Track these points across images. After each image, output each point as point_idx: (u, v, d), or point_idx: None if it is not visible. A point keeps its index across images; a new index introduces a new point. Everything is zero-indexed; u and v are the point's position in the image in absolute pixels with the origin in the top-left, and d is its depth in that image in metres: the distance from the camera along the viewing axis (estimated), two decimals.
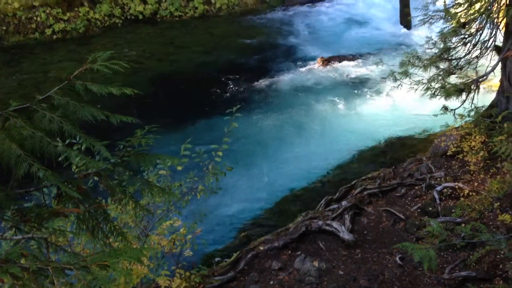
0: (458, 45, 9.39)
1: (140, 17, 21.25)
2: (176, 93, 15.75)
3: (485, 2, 8.50)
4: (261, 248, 8.45)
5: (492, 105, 9.93)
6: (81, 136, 2.69)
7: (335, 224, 8.62)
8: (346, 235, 8.32)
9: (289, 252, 8.34)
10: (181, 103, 14.97)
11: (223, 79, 16.53)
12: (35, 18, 19.32)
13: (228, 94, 15.68)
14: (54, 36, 19.22)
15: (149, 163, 3.18)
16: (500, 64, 9.08)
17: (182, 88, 16.09)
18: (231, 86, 16.10)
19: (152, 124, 4.27)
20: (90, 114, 2.72)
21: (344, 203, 9.31)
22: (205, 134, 13.10)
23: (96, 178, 3.09)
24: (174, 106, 14.72)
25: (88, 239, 3.99)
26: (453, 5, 9.42)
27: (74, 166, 5.16)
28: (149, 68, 17.20)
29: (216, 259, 8.77)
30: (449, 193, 8.98)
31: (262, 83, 16.42)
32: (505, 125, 8.16)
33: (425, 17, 9.67)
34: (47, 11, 19.44)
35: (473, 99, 8.99)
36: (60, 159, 2.96)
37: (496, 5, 8.56)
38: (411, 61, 9.69)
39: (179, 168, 6.57)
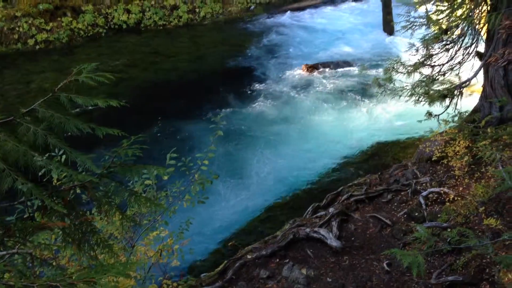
0: (440, 51, 9.49)
1: (124, 26, 21.21)
2: (162, 101, 15.70)
3: (466, 9, 8.61)
4: (249, 256, 8.41)
5: (475, 110, 10.05)
6: (66, 150, 2.65)
7: (322, 231, 8.61)
8: (333, 242, 8.32)
9: (277, 260, 8.30)
10: (167, 112, 14.91)
11: (208, 87, 16.54)
12: (17, 28, 19.15)
13: (213, 102, 15.66)
14: (37, 47, 19.07)
15: (135, 174, 3.15)
16: (482, 69, 9.20)
17: (167, 96, 16.05)
18: (216, 94, 16.11)
19: (137, 134, 4.23)
20: (76, 127, 2.68)
21: (331, 210, 9.32)
22: (191, 142, 13.07)
23: (82, 190, 3.05)
24: (159, 115, 14.63)
25: (74, 252, 3.92)
26: (435, 12, 9.53)
27: (55, 179, 5.10)
28: (134, 77, 17.14)
29: (203, 270, 8.71)
30: (434, 198, 9.04)
31: (247, 90, 16.45)
32: (489, 130, 8.26)
33: (407, 23, 9.76)
34: (30, 22, 19.29)
35: (456, 104, 9.08)
36: (44, 170, 2.92)
37: (477, 11, 8.68)
38: (395, 67, 9.77)
39: (165, 177, 6.52)
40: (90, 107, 2.88)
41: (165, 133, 13.67)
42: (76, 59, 18.30)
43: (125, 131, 3.37)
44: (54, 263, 3.09)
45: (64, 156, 4.85)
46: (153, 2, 22.34)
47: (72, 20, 20.17)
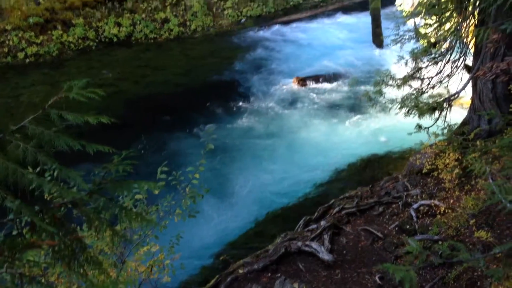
0: (429, 64, 9.59)
1: (115, 39, 21.22)
2: (152, 115, 15.67)
3: (454, 23, 8.72)
4: (241, 271, 8.35)
5: (464, 122, 10.13)
6: (56, 167, 2.62)
7: (314, 244, 8.59)
8: (325, 256, 8.29)
9: (269, 274, 8.25)
10: (157, 125, 14.89)
11: (198, 100, 16.54)
12: (7, 41, 19.09)
13: (203, 116, 15.66)
14: (27, 60, 19.00)
15: (126, 190, 3.12)
16: (470, 82, 9.29)
17: (158, 109, 16.03)
18: (206, 108, 16.11)
19: (127, 147, 4.20)
20: (66, 144, 2.67)
21: (322, 223, 9.30)
22: (181, 156, 13.03)
23: (72, 206, 3.02)
24: (150, 128, 14.61)
25: (63, 269, 3.87)
26: (423, 25, 9.65)
27: (46, 193, 5.04)
28: (124, 90, 17.11)
29: (195, 285, 8.64)
30: (425, 210, 9.06)
31: (239, 103, 16.48)
32: (478, 142, 8.32)
33: (396, 37, 9.86)
34: (20, 35, 19.24)
35: (445, 117, 9.15)
36: (33, 186, 2.88)
37: (465, 25, 8.80)
38: (385, 80, 9.84)
39: (156, 192, 6.48)
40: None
41: (156, 146, 13.62)
42: (66, 73, 18.25)
43: (115, 145, 3.35)
44: (43, 280, 3.04)
45: (56, 171, 4.81)
46: (144, 16, 22.40)
47: (62, 33, 20.15)
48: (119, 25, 21.65)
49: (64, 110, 2.90)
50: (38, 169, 3.08)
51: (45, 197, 4.44)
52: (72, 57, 19.81)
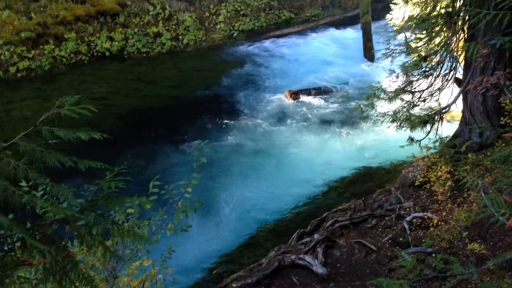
0: (420, 78, 9.67)
1: (107, 53, 21.22)
2: (145, 128, 15.64)
3: (444, 37, 8.82)
4: (234, 285, 8.29)
5: (456, 135, 10.21)
6: (47, 184, 2.60)
7: (308, 258, 8.56)
8: (319, 269, 8.26)
9: None
10: (150, 139, 14.86)
11: (191, 114, 16.54)
12: None
13: (197, 128, 15.66)
14: (19, 74, 18.93)
15: (119, 206, 3.10)
16: (461, 96, 9.38)
17: (150, 123, 16.01)
18: (200, 121, 16.11)
19: (119, 161, 4.19)
20: (57, 160, 2.65)
21: (316, 236, 9.29)
22: (174, 169, 12.99)
23: (63, 223, 2.99)
24: (142, 142, 14.57)
25: (54, 287, 3.82)
26: (414, 39, 9.75)
27: (38, 208, 5.00)
28: (117, 104, 17.08)
29: None
30: (418, 223, 9.08)
31: (231, 117, 16.50)
32: (469, 155, 8.37)
33: (387, 51, 9.95)
34: (11, 49, 19.19)
35: (437, 130, 9.21)
36: (24, 200, 2.85)
37: (454, 39, 8.90)
38: (377, 93, 9.91)
39: (148, 206, 6.43)
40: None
41: (148, 160, 13.58)
42: (58, 87, 18.21)
43: (108, 159, 3.33)
44: None
45: (48, 186, 4.77)
46: (136, 30, 22.46)
47: (54, 47, 20.13)
48: (111, 39, 21.68)
49: (56, 125, 2.89)
50: (29, 184, 3.06)
51: (37, 212, 4.40)
52: (64, 72, 19.76)
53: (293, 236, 9.89)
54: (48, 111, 2.77)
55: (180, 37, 23.21)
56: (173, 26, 23.44)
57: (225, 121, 16.24)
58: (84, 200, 3.01)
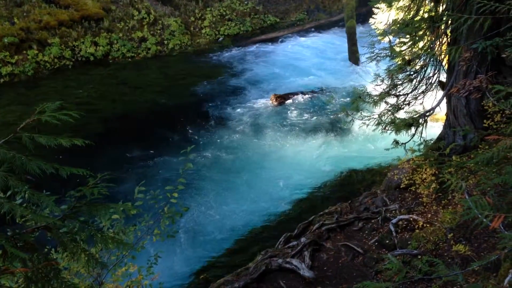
0: (404, 81, 9.74)
1: (92, 58, 21.08)
2: (130, 133, 15.54)
3: (427, 41, 8.90)
4: None
5: (440, 138, 10.29)
6: (28, 192, 2.55)
7: (295, 261, 8.56)
8: (306, 272, 8.27)
9: None
10: (135, 144, 14.75)
11: (177, 118, 16.49)
12: None
13: (182, 134, 15.61)
14: (1, 80, 18.70)
15: (102, 213, 3.06)
16: (445, 99, 9.46)
17: (135, 128, 15.91)
18: (185, 125, 16.06)
19: (104, 166, 4.15)
20: (38, 168, 2.60)
21: (303, 239, 9.29)
22: (160, 175, 12.93)
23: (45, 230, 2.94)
24: (127, 147, 14.47)
25: None
26: (398, 43, 9.82)
27: (18, 218, 4.92)
28: (101, 109, 16.96)
29: None
30: (404, 225, 9.13)
31: (217, 121, 16.47)
32: (454, 157, 8.45)
33: (372, 54, 10.01)
34: None
35: (421, 132, 9.27)
36: (4, 210, 2.80)
37: (438, 43, 8.99)
38: (362, 97, 9.95)
39: (133, 212, 6.37)
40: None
41: (133, 165, 13.48)
42: (42, 92, 18.02)
43: (92, 164, 3.30)
44: None
45: (27, 194, 4.70)
46: (121, 35, 22.34)
47: (38, 53, 19.93)
48: (96, 44, 21.53)
49: (38, 131, 2.84)
50: (7, 194, 3.00)
51: (17, 219, 4.33)
52: (48, 77, 19.56)
53: (280, 239, 9.89)
54: (29, 117, 2.72)
55: (165, 42, 23.14)
56: (158, 31, 23.38)
57: (212, 124, 16.22)
58: (66, 207, 2.96)
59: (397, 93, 9.76)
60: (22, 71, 19.22)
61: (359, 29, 21.97)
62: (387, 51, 9.74)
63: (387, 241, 8.90)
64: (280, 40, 25.37)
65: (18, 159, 2.57)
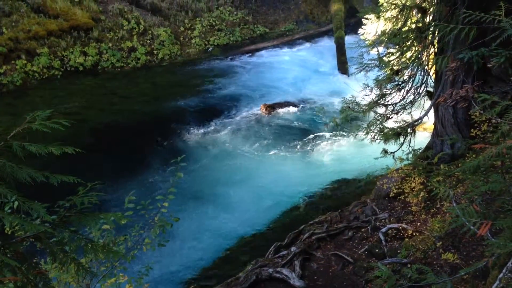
0: (393, 91, 9.84)
1: (81, 68, 21.01)
2: (120, 143, 15.47)
3: (415, 51, 9.02)
4: None
5: (428, 147, 10.40)
6: (18, 200, 2.55)
7: (285, 271, 8.55)
8: (296, 282, 8.27)
9: None
10: (125, 154, 14.70)
11: (167, 128, 16.46)
12: None
13: (172, 144, 15.58)
14: None
15: (92, 223, 3.05)
16: (432, 108, 9.57)
17: (125, 138, 15.85)
18: (175, 135, 16.04)
19: (95, 176, 4.13)
20: (28, 176, 2.60)
21: (293, 249, 9.30)
22: (150, 184, 12.88)
23: (34, 240, 2.92)
24: (118, 157, 14.42)
25: None
26: (386, 54, 9.94)
27: (7, 228, 4.88)
28: (91, 119, 16.87)
29: None
30: (393, 234, 9.18)
31: (207, 132, 16.48)
32: (442, 166, 8.53)
33: (361, 65, 10.10)
34: None
35: (410, 142, 9.36)
36: None
37: (425, 53, 9.11)
38: (351, 107, 10.03)
39: (123, 222, 6.35)
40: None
41: (124, 175, 13.42)
42: (31, 102, 17.91)
43: (82, 174, 3.29)
44: None
45: (16, 203, 4.67)
46: (110, 45, 22.31)
47: (26, 62, 19.82)
48: (85, 54, 21.47)
49: (28, 140, 2.84)
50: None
51: (6, 229, 4.29)
52: (37, 87, 19.43)
53: (270, 249, 9.88)
54: (19, 126, 2.72)
55: (155, 52, 23.15)
56: (148, 41, 23.39)
57: (201, 134, 16.22)
58: (56, 217, 2.95)
59: (386, 103, 9.85)
60: (11, 81, 19.09)
61: (348, 39, 22.14)
62: (376, 61, 9.84)
63: (377, 250, 8.94)
64: (269, 50, 25.50)
65: (8, 167, 2.56)
